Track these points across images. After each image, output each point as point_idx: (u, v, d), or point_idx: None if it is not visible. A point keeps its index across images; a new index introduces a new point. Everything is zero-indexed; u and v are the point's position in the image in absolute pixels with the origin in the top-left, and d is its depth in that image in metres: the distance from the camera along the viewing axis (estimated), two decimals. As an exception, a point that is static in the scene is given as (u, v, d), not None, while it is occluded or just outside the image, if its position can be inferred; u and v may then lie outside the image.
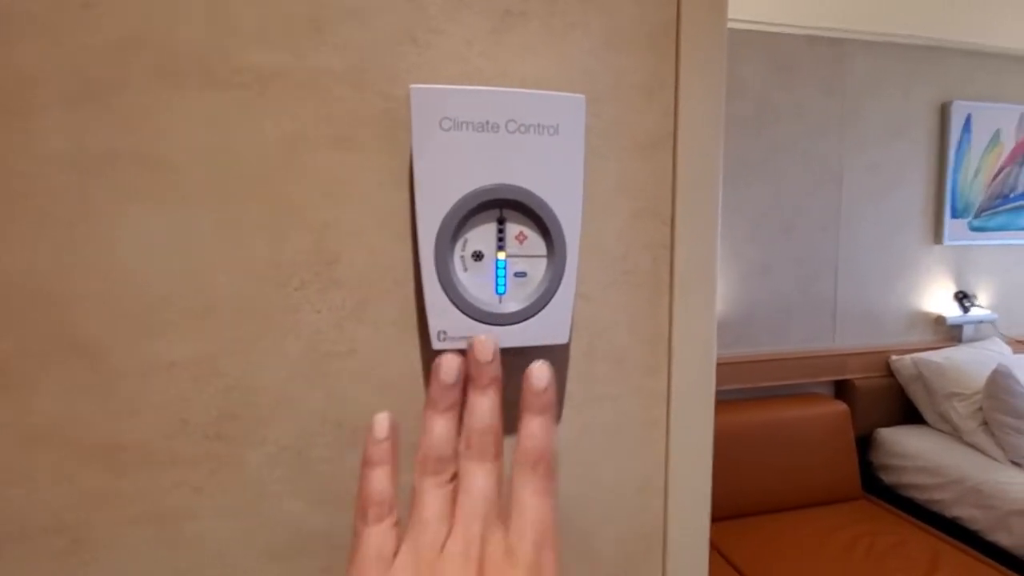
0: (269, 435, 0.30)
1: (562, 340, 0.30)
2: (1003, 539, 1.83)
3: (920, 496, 2.12)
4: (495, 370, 0.26)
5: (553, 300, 0.29)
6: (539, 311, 0.29)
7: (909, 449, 2.20)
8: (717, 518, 1.98)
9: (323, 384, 0.30)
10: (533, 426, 0.25)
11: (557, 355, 0.33)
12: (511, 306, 0.29)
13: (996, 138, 2.39)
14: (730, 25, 2.09)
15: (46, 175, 0.27)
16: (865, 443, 2.33)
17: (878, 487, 2.27)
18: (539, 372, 0.26)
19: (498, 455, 0.25)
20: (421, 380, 0.32)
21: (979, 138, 2.36)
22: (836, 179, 2.27)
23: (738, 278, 2.22)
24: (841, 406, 2.19)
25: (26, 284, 0.27)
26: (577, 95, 0.29)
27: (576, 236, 0.29)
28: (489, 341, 0.26)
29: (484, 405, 0.25)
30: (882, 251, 2.36)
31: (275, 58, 0.29)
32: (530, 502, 0.24)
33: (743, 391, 2.23)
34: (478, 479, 0.24)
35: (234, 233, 0.29)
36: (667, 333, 0.35)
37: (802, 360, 2.28)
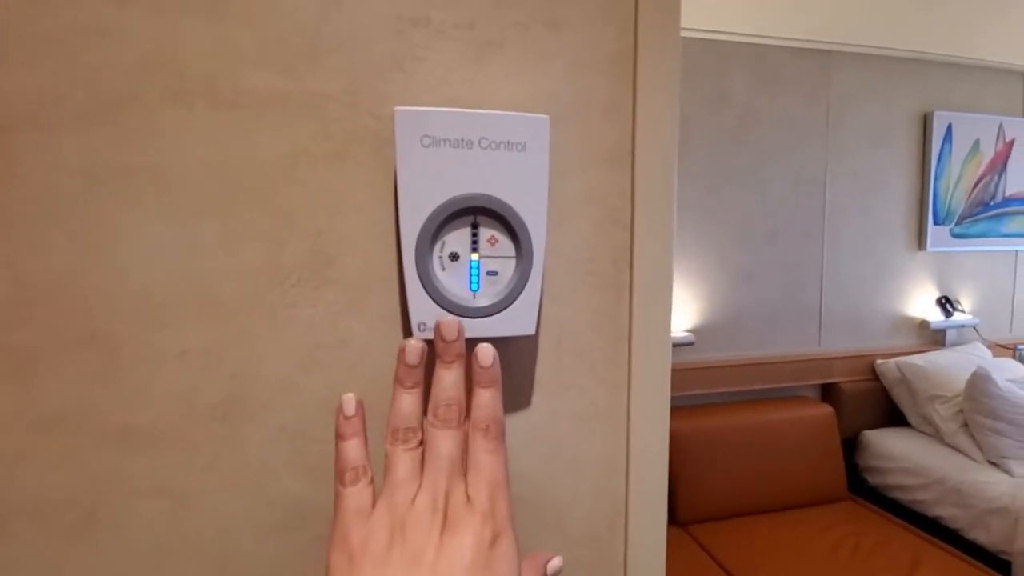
0: (269, 418, 0.34)
1: (529, 331, 0.34)
2: (981, 537, 1.87)
3: (904, 496, 2.17)
4: (459, 348, 0.30)
5: (521, 296, 0.33)
6: (508, 306, 0.33)
7: (893, 451, 2.24)
8: (706, 519, 2.01)
9: (318, 372, 0.34)
10: (483, 397, 0.30)
11: (526, 347, 0.37)
12: (483, 301, 0.33)
13: (976, 147, 2.45)
14: (717, 37, 2.16)
15: (63, 185, 0.30)
16: (851, 445, 2.37)
17: (864, 488, 2.31)
18: (484, 351, 0.30)
19: (460, 422, 0.29)
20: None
21: (960, 147, 2.43)
22: (820, 187, 2.33)
23: (725, 284, 2.26)
24: (827, 409, 2.23)
25: (43, 282, 0.30)
26: (542, 116, 0.33)
27: (542, 239, 0.33)
28: (454, 322, 0.30)
29: (449, 379, 0.30)
30: (866, 257, 2.42)
31: (277, 81, 0.32)
32: (484, 460, 0.29)
33: (731, 394, 2.27)
34: (443, 443, 0.29)
35: (236, 238, 0.32)
36: (627, 330, 0.39)
37: (788, 364, 2.32)
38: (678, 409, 2.15)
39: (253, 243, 0.33)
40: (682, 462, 2.03)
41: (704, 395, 2.22)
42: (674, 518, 2.03)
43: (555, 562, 0.32)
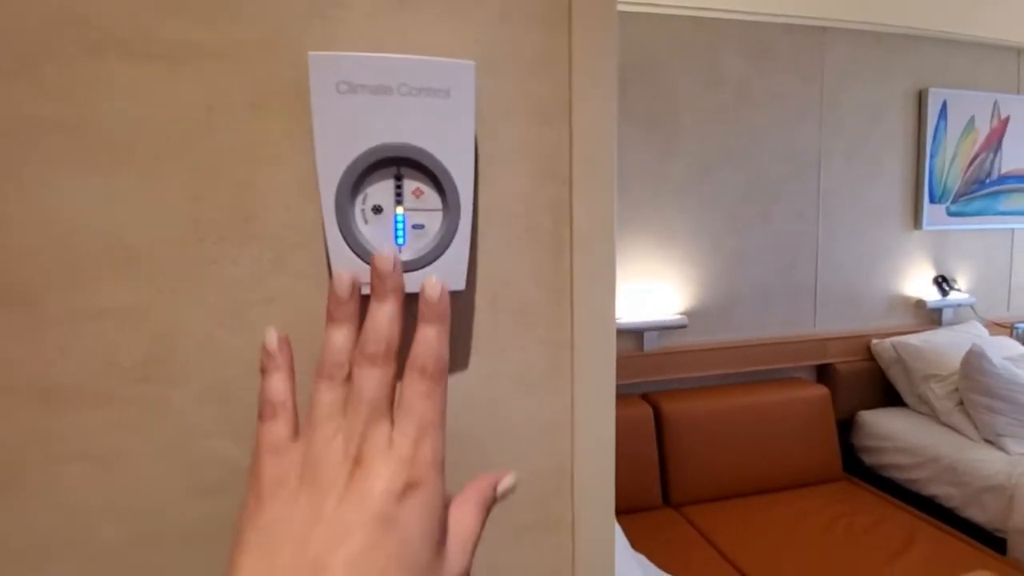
0: (194, 378, 0.33)
1: (459, 287, 0.33)
2: (977, 515, 1.87)
3: (899, 476, 2.16)
4: (395, 282, 0.28)
5: (449, 250, 0.32)
6: (435, 260, 0.32)
7: (889, 430, 2.24)
8: (701, 500, 2.02)
9: (242, 330, 0.33)
10: (425, 333, 0.27)
11: (462, 305, 0.36)
12: (409, 255, 0.32)
13: (971, 124, 2.42)
14: (710, 15, 2.13)
15: None
16: (847, 426, 2.37)
17: (859, 468, 2.31)
18: (431, 285, 0.28)
19: (388, 360, 0.27)
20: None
21: (955, 124, 2.39)
22: (815, 165, 2.30)
23: (719, 265, 2.25)
24: (822, 390, 2.22)
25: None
26: (467, 61, 0.31)
27: (470, 192, 0.32)
28: (390, 254, 0.28)
29: (381, 314, 0.27)
30: (862, 236, 2.40)
31: (192, 30, 0.31)
32: (415, 402, 0.26)
33: (726, 376, 2.26)
34: (366, 383, 0.26)
35: (156, 193, 0.31)
36: (569, 286, 0.38)
37: (784, 345, 2.31)
38: (673, 392, 2.15)
39: (172, 198, 0.32)
40: (677, 445, 2.03)
41: (699, 378, 2.21)
42: (668, 500, 2.04)
43: (507, 480, 0.29)
